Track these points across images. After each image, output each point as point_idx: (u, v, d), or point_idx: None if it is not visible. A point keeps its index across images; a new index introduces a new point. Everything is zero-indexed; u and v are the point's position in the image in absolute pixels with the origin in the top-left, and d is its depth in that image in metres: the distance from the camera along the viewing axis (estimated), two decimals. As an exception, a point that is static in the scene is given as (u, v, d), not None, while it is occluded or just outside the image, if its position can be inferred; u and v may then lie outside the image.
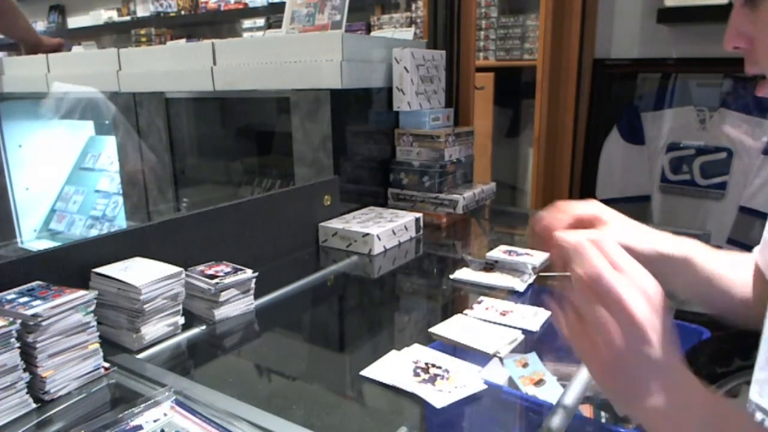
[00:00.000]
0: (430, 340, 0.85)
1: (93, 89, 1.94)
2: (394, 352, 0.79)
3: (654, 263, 0.65)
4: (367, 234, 1.25)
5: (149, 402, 0.64)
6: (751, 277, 0.74)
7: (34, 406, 0.66)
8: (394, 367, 0.75)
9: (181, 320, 0.87)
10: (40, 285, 0.74)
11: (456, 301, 1.08)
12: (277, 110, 1.74)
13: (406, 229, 1.35)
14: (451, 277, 1.12)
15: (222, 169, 2.04)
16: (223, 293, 0.90)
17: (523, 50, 2.83)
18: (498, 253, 1.16)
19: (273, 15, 3.75)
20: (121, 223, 2.16)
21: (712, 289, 0.71)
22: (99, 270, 0.83)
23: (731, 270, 0.73)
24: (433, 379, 0.72)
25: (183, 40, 3.16)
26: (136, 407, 0.62)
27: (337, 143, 1.41)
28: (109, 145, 2.25)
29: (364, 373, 0.74)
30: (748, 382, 0.72)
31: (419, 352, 0.79)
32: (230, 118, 1.99)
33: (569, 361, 0.81)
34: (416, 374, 0.73)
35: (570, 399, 0.61)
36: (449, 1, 1.75)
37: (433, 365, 0.75)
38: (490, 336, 0.84)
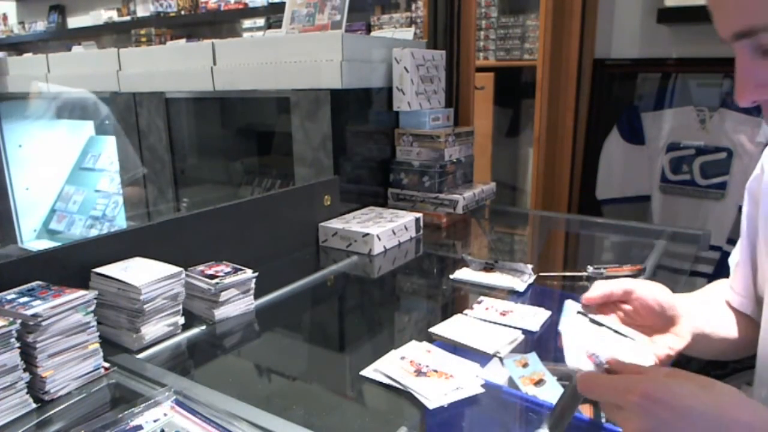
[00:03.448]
0: (430, 340, 0.85)
1: (84, 90, 1.93)
2: (393, 352, 0.79)
3: None
4: (367, 234, 1.24)
5: (149, 402, 0.64)
6: (729, 315, 0.79)
7: (34, 406, 0.66)
8: (394, 367, 0.75)
9: (181, 320, 0.87)
10: (40, 285, 0.74)
11: (456, 301, 1.08)
12: (277, 110, 1.74)
13: (406, 229, 1.35)
14: (451, 277, 1.12)
15: (222, 169, 2.04)
16: (223, 293, 0.90)
17: (523, 50, 2.82)
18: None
19: (273, 15, 3.74)
20: (121, 223, 2.16)
21: (710, 344, 0.76)
22: (99, 270, 0.83)
23: (719, 321, 0.77)
24: (432, 379, 0.72)
25: (183, 40, 3.16)
26: (136, 407, 0.62)
27: (337, 143, 1.41)
28: (109, 145, 2.25)
29: (364, 373, 0.74)
30: (749, 383, 0.73)
31: (419, 352, 0.79)
32: (230, 118, 1.99)
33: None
34: (416, 374, 0.73)
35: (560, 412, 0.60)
36: (449, 1, 1.75)
37: (433, 365, 0.75)
38: (490, 336, 0.84)
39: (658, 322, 0.71)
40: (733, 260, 0.81)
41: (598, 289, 0.73)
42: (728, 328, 0.77)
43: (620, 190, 2.07)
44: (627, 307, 0.74)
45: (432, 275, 1.24)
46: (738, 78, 0.52)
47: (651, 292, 0.72)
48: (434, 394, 0.68)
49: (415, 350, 0.80)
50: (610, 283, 0.74)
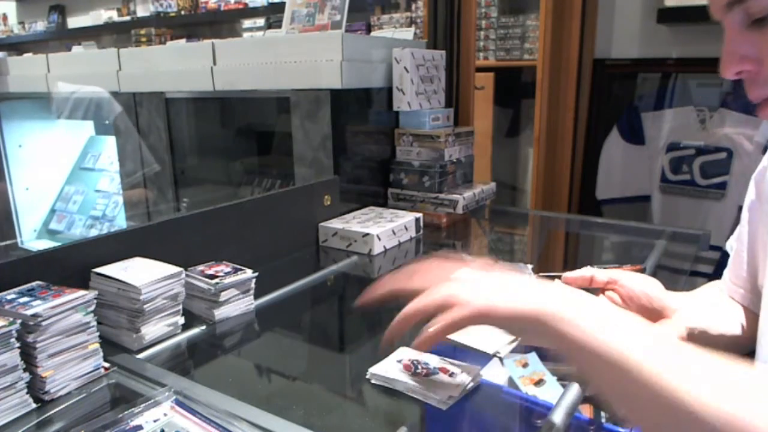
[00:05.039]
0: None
1: (99, 89, 1.93)
2: (393, 352, 0.79)
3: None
4: (367, 234, 1.24)
5: (149, 402, 0.63)
6: (726, 310, 0.78)
7: (34, 406, 0.66)
8: (394, 368, 0.75)
9: (181, 320, 0.87)
10: (40, 285, 0.74)
11: (456, 301, 1.07)
12: (277, 110, 1.74)
13: (406, 229, 1.35)
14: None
15: (222, 169, 2.04)
16: (223, 293, 0.90)
17: (523, 50, 2.82)
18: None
19: (273, 15, 3.74)
20: (121, 223, 2.16)
21: (708, 340, 0.75)
22: (99, 270, 0.83)
23: (716, 316, 0.77)
24: (432, 380, 0.72)
25: (183, 40, 3.16)
26: (136, 407, 0.62)
27: (337, 143, 1.41)
28: (109, 145, 2.25)
29: (364, 372, 0.74)
30: None
31: (418, 352, 0.79)
32: (230, 118, 1.99)
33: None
34: (416, 374, 0.73)
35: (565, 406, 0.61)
36: (449, 1, 1.75)
37: (433, 365, 0.75)
38: (490, 336, 0.84)
39: (644, 313, 0.71)
40: (730, 248, 0.81)
41: (580, 272, 0.74)
42: (726, 324, 0.76)
43: (620, 190, 2.07)
44: (612, 294, 0.74)
45: (432, 275, 1.24)
46: (724, 51, 0.55)
47: (639, 283, 0.72)
48: (434, 395, 0.68)
49: (415, 350, 0.80)
50: (596, 270, 0.74)
